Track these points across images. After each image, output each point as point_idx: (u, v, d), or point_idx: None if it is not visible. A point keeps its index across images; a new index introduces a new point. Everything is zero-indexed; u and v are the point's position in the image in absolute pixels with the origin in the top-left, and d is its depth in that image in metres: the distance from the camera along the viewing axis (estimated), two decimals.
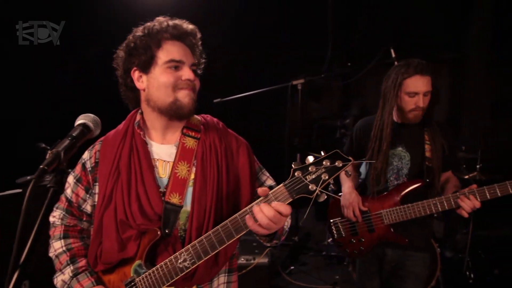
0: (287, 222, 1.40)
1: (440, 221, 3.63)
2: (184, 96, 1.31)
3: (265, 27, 4.59)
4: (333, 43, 4.47)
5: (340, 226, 2.21)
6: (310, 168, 1.14)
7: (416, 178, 2.06)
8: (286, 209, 1.15)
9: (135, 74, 1.36)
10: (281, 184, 1.17)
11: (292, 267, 3.69)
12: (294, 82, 3.78)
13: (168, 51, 1.33)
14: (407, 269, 2.10)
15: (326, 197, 1.15)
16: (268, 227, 1.17)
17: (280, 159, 3.88)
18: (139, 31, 1.36)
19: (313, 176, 1.14)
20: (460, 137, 4.62)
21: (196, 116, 1.44)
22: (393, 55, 3.35)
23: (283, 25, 4.64)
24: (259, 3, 4.48)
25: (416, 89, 1.98)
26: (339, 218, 2.22)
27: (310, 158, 1.16)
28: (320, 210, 4.58)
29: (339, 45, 4.72)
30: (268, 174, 1.49)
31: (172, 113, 1.33)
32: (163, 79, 1.31)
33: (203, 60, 1.44)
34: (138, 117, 1.41)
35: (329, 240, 3.97)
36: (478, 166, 3.24)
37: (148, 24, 1.37)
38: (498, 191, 1.82)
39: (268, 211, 1.15)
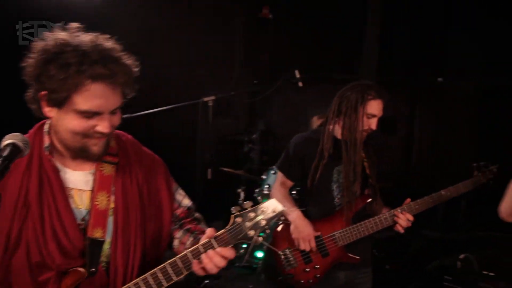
0: None
1: None
2: (94, 144, 1.19)
3: (175, 44, 4.65)
4: (241, 61, 4.71)
5: (291, 257, 2.08)
6: (249, 215, 1.21)
7: (363, 194, 2.06)
8: (231, 254, 1.19)
9: (44, 100, 1.17)
10: (224, 231, 1.21)
11: (206, 281, 3.72)
12: (205, 99, 3.86)
13: (87, 99, 1.12)
14: (361, 287, 2.11)
15: (261, 240, 1.24)
16: (214, 272, 1.20)
17: (190, 175, 3.93)
18: (53, 48, 1.11)
19: (252, 223, 1.21)
20: None
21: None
22: (298, 75, 3.65)
23: (192, 43, 4.74)
24: (167, 19, 4.52)
25: (376, 112, 2.00)
26: (288, 248, 2.09)
27: (248, 204, 1.24)
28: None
29: (247, 64, 4.97)
30: (183, 193, 1.47)
31: (78, 156, 1.22)
32: (73, 125, 1.15)
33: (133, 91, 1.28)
34: (47, 140, 1.24)
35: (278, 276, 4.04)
36: None
37: (71, 43, 1.11)
38: (430, 202, 2.04)
39: (220, 261, 1.18)
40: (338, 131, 2.09)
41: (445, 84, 5.91)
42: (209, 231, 1.22)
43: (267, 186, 3.70)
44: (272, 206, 1.22)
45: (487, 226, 4.43)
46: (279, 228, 2.18)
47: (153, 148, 1.47)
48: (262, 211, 1.21)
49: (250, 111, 5.67)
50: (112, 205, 1.26)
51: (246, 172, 4.20)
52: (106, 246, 1.25)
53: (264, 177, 3.85)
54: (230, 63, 5.00)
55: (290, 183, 2.24)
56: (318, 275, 2.04)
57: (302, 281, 2.06)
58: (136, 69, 1.24)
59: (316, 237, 2.04)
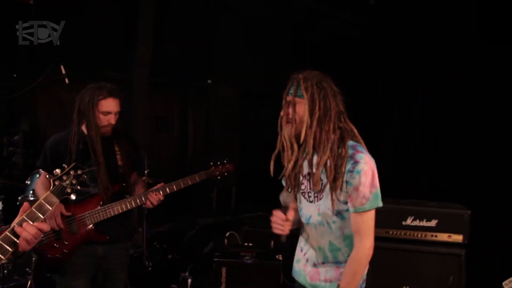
0: None
1: None
2: None
3: None
4: None
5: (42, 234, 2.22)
6: (64, 177, 1.60)
7: (112, 182, 2.35)
8: (47, 227, 1.44)
9: None
10: (49, 192, 1.53)
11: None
12: None
13: None
14: (113, 261, 2.37)
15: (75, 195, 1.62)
16: (31, 242, 1.39)
17: None
18: None
19: (67, 182, 1.60)
20: None
21: None
22: (63, 72, 3.41)
23: None
24: None
25: (109, 109, 2.28)
26: None
27: (58, 171, 1.61)
28: None
29: (2, 54, 4.31)
30: None
31: None
32: None
33: None
34: None
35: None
36: (146, 172, 3.78)
37: None
38: (174, 187, 2.38)
39: (31, 229, 1.38)
40: (86, 130, 2.37)
41: (213, 86, 6.59)
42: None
43: (31, 192, 3.34)
44: (76, 168, 1.64)
45: (254, 207, 5.19)
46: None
47: None
48: (72, 174, 1.62)
49: (10, 109, 4.93)
50: None
51: (5, 179, 3.67)
52: None
53: (28, 182, 3.45)
54: None
55: None
56: (66, 251, 2.28)
57: (49, 256, 2.28)
58: None
59: (68, 217, 2.29)
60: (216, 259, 2.97)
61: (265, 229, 3.60)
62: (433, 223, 2.83)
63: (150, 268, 3.75)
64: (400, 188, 3.28)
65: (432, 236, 2.83)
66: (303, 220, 1.75)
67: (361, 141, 1.68)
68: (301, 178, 1.72)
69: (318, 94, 1.61)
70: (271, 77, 6.17)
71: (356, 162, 1.57)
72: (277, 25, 5.91)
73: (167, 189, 2.38)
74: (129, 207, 2.32)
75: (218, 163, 2.54)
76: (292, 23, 5.99)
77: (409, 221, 2.88)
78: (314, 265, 1.72)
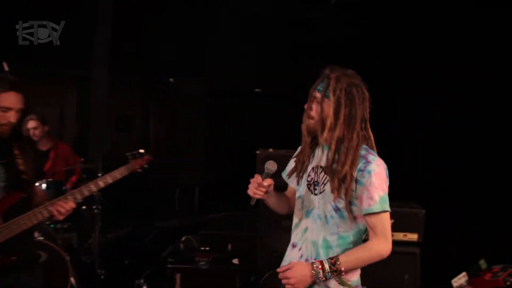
0: None
1: (71, 232, 3.79)
2: None
3: None
4: None
5: None
6: None
7: (14, 191, 2.02)
8: None
9: None
10: None
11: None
12: None
13: None
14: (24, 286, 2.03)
15: None
16: None
17: None
18: None
19: None
20: (85, 149, 4.98)
21: None
22: (6, 68, 3.19)
23: None
24: None
25: (10, 104, 1.99)
26: None
27: None
28: None
29: None
30: None
31: None
32: None
33: None
34: None
35: None
36: (99, 175, 3.59)
37: None
38: (92, 187, 2.06)
39: None
40: None
41: (176, 84, 6.44)
42: None
43: None
44: None
45: (220, 208, 5.09)
46: None
47: None
48: None
49: None
50: None
51: None
52: None
53: None
54: None
55: None
56: None
57: None
58: None
59: None
60: (169, 265, 2.87)
61: (224, 231, 3.53)
62: None
63: (102, 277, 3.59)
64: None
65: None
66: (303, 212, 1.76)
67: (375, 149, 1.70)
68: (309, 169, 1.75)
69: (345, 99, 1.61)
70: (245, 76, 6.07)
71: (368, 162, 1.60)
72: (270, 22, 5.73)
73: (85, 192, 2.04)
74: (39, 219, 1.97)
75: (136, 156, 2.27)
76: (284, 21, 5.84)
77: None
78: (307, 261, 1.69)
